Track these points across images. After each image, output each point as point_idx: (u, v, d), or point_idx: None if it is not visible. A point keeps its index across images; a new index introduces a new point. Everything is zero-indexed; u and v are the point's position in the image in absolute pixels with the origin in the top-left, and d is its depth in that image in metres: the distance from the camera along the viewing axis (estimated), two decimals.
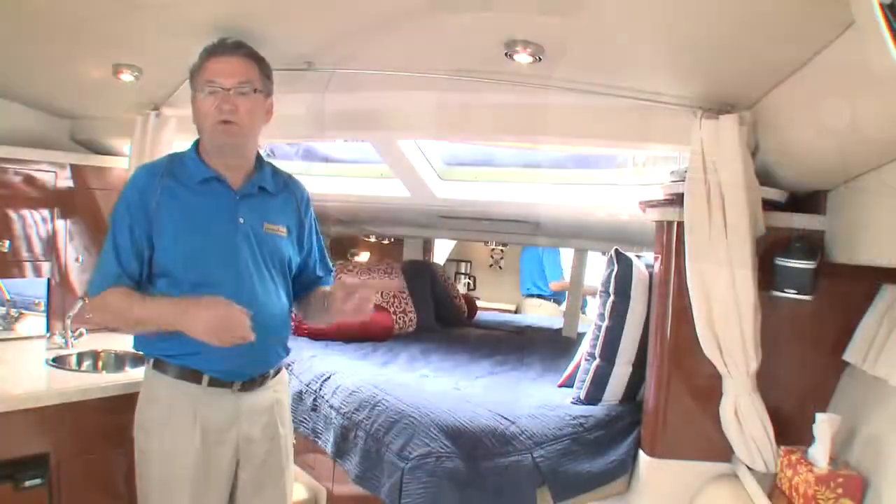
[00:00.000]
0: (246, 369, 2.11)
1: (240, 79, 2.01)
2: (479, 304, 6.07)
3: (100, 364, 3.27)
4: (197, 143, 2.12)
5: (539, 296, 6.88)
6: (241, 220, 2.08)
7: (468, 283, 7.91)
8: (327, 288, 2.35)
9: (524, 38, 1.90)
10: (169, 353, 2.06)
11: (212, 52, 2.03)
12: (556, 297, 6.73)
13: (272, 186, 2.19)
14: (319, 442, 2.96)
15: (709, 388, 2.29)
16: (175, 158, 2.12)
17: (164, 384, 2.06)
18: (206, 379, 2.05)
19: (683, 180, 2.19)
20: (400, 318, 4.42)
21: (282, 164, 4.06)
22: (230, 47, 2.03)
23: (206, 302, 1.92)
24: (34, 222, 3.31)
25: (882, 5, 1.13)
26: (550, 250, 6.71)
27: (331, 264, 2.45)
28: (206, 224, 2.07)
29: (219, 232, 2.07)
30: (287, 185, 2.26)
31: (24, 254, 3.28)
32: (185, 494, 2.05)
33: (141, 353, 2.15)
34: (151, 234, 2.01)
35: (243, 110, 2.02)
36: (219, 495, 2.12)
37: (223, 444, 2.09)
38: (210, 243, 2.06)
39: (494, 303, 7.32)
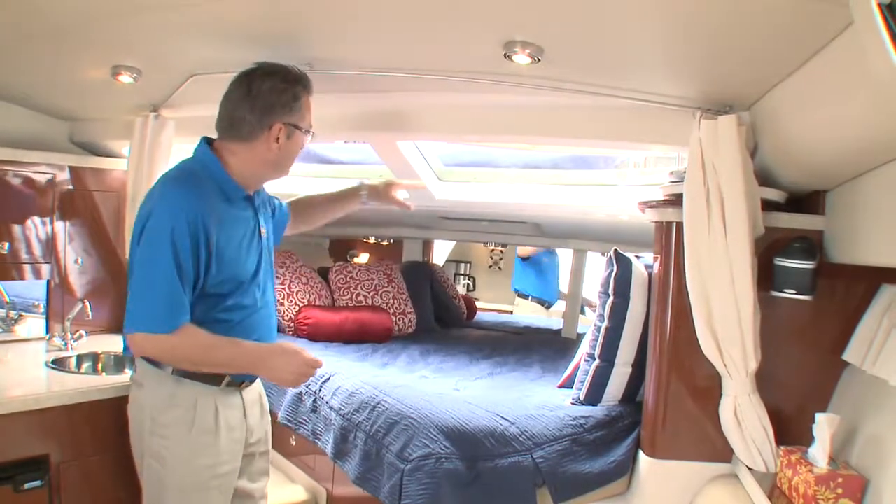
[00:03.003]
0: None
1: None
2: (478, 304, 6.07)
3: (99, 366, 3.27)
4: (214, 156, 2.08)
5: (517, 293, 6.90)
6: (263, 232, 2.19)
7: (467, 284, 7.91)
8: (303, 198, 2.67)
9: (523, 40, 1.90)
10: None
11: (310, 89, 2.11)
12: (537, 297, 6.75)
13: (263, 196, 2.29)
14: (319, 443, 2.96)
15: (708, 389, 2.29)
16: (203, 174, 2.05)
17: (185, 387, 2.07)
18: (226, 380, 2.13)
19: (682, 181, 2.19)
20: (399, 320, 4.42)
21: None
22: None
23: (281, 350, 2.10)
24: (33, 224, 3.32)
25: (880, 5, 1.13)
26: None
27: None
28: (250, 241, 2.14)
29: (257, 247, 2.16)
30: (264, 192, 2.33)
31: (24, 256, 3.28)
32: (213, 492, 2.12)
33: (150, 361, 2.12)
34: (209, 257, 1.98)
35: None
36: (233, 487, 2.22)
37: (239, 439, 2.20)
38: (254, 259, 2.14)
39: (494, 303, 7.32)
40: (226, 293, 2.05)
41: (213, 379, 2.10)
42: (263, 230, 2.22)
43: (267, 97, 2.02)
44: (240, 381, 2.18)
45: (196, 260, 1.93)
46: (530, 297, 6.78)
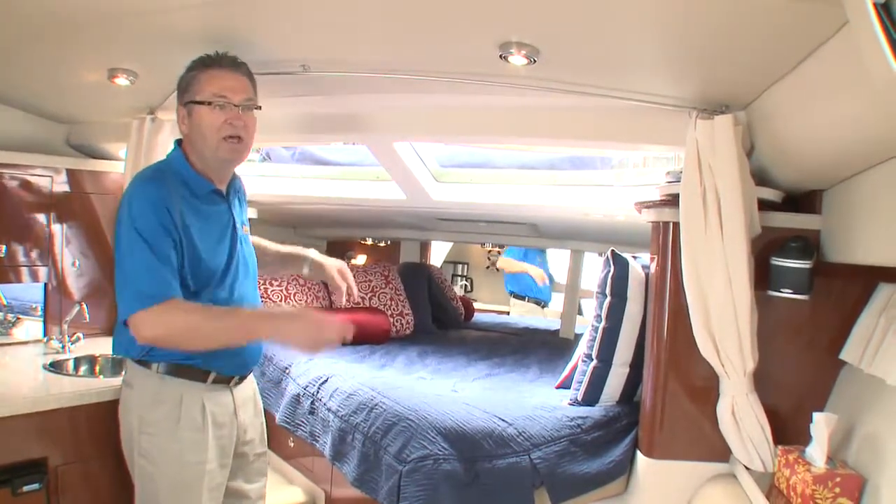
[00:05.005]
0: (249, 365, 2.27)
1: (247, 95, 2.09)
2: (475, 305, 6.07)
3: (97, 368, 3.26)
4: (181, 153, 2.12)
5: (513, 294, 6.88)
6: (238, 227, 2.19)
7: (465, 286, 7.91)
8: (262, 243, 2.54)
9: (519, 41, 1.91)
10: (179, 357, 2.08)
11: (213, 64, 2.07)
12: (533, 297, 6.73)
13: (238, 188, 2.29)
14: (317, 445, 2.96)
15: (706, 389, 2.29)
16: (168, 171, 2.09)
17: (170, 385, 2.09)
18: (212, 376, 2.13)
19: (679, 181, 2.19)
20: (397, 321, 4.42)
21: (279, 167, 4.09)
22: (233, 63, 2.08)
23: (292, 314, 2.05)
24: (31, 227, 3.31)
25: (875, 5, 1.13)
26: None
27: None
28: (221, 235, 2.13)
29: (231, 242, 2.16)
30: (239, 184, 2.33)
31: (21, 258, 3.28)
32: (202, 490, 2.11)
33: (142, 359, 2.13)
34: (180, 240, 1.99)
35: (249, 128, 2.10)
36: (224, 485, 2.21)
37: (228, 436, 2.19)
38: (227, 254, 2.14)
39: (491, 304, 7.32)
40: (198, 288, 2.05)
41: (198, 376, 2.10)
42: (245, 228, 2.27)
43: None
44: (228, 378, 2.18)
45: (169, 236, 1.95)
46: (527, 298, 6.76)
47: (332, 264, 2.54)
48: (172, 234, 1.96)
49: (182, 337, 1.96)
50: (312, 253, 2.58)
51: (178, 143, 2.16)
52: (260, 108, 2.13)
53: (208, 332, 1.97)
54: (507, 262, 6.64)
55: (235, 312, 2.05)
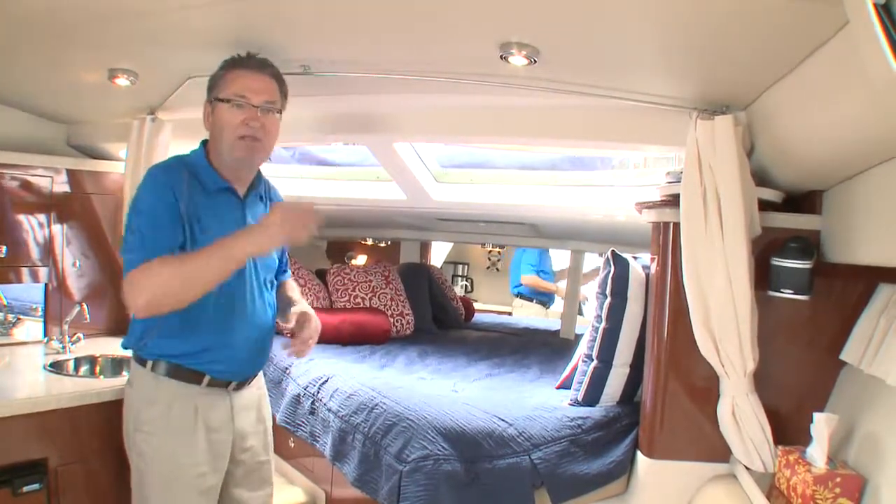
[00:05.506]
0: (246, 371, 2.23)
1: (268, 97, 2.08)
2: (476, 306, 6.07)
3: (97, 369, 3.27)
4: (204, 150, 2.14)
5: (520, 295, 6.84)
6: None
7: (465, 286, 7.92)
8: (288, 288, 2.49)
9: (519, 41, 1.91)
10: (171, 356, 2.09)
11: (240, 64, 2.08)
12: (541, 298, 6.70)
13: (264, 194, 2.27)
14: (318, 445, 2.96)
15: (706, 389, 2.29)
16: (185, 163, 2.09)
17: (164, 386, 2.09)
18: (206, 379, 2.12)
19: (679, 181, 2.19)
20: (397, 321, 4.42)
21: (279, 168, 4.09)
22: (260, 63, 2.09)
23: (265, 217, 1.91)
24: (31, 227, 3.31)
25: (875, 5, 1.13)
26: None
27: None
28: (222, 235, 2.04)
29: None
30: (269, 191, 2.33)
31: (22, 259, 3.28)
32: (192, 491, 2.11)
33: (138, 355, 2.14)
34: (185, 236, 1.98)
35: (268, 129, 2.09)
36: (217, 489, 2.19)
37: (223, 441, 2.17)
38: None
39: (492, 304, 7.32)
40: None
41: (192, 378, 2.10)
42: None
43: None
44: (225, 382, 2.16)
45: (168, 213, 1.94)
46: (535, 300, 6.74)
47: (306, 324, 2.31)
48: (173, 213, 1.95)
49: (168, 287, 1.84)
50: (303, 307, 2.40)
51: (204, 142, 2.17)
52: (280, 112, 2.13)
53: (191, 271, 1.85)
54: (533, 281, 6.58)
55: (211, 245, 1.89)
